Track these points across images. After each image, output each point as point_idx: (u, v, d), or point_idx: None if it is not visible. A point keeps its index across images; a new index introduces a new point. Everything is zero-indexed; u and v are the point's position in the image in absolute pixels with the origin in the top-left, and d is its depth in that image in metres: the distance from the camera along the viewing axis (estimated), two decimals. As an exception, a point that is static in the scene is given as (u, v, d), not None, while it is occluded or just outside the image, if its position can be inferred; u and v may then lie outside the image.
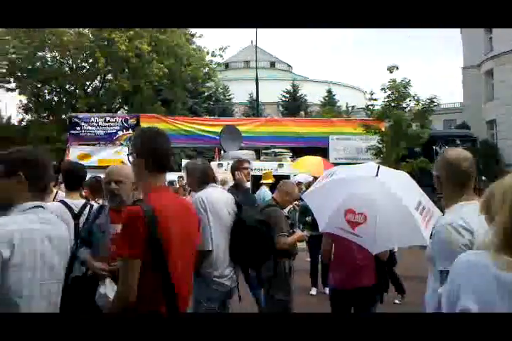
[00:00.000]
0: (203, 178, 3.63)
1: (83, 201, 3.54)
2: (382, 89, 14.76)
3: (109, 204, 2.97)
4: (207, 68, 23.78)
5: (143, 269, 1.82)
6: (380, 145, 15.06)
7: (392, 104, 14.82)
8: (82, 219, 3.34)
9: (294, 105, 31.83)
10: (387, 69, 14.61)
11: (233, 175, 5.02)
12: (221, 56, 24.26)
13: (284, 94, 33.39)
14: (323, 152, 15.14)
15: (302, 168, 11.60)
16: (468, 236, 1.94)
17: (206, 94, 27.26)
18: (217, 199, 3.54)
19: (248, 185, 5.76)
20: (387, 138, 14.73)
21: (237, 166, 5.04)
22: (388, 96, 14.83)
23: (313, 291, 6.86)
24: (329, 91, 34.32)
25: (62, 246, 1.86)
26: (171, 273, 1.85)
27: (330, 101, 32.99)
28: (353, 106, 32.12)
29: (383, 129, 15.08)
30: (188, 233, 2.01)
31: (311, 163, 12.09)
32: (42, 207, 1.83)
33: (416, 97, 14.81)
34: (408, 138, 14.42)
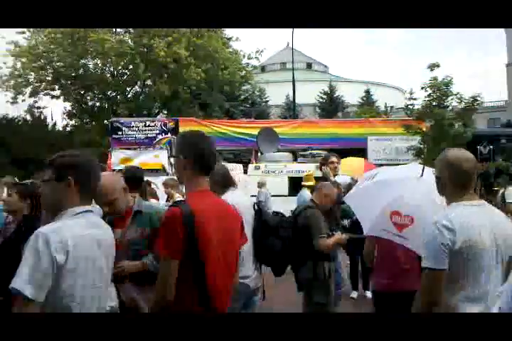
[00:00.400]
0: (223, 182, 3.67)
1: None
2: (422, 87, 14.38)
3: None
4: (243, 71, 23.95)
5: (180, 270, 1.83)
6: (421, 146, 14.67)
7: (434, 103, 14.41)
8: None
9: (331, 106, 31.56)
10: (428, 68, 14.23)
11: (320, 169, 5.52)
12: (257, 59, 24.39)
13: (321, 95, 33.17)
14: (361, 153, 14.91)
15: (344, 169, 11.46)
16: (450, 235, 1.98)
17: (243, 97, 27.44)
18: (238, 202, 3.54)
19: (333, 179, 5.87)
20: (428, 138, 14.33)
21: (325, 161, 5.38)
22: (429, 95, 14.43)
23: (354, 294, 6.76)
24: (367, 92, 33.84)
25: (109, 249, 1.89)
26: (208, 274, 1.85)
27: (368, 101, 32.51)
28: (392, 106, 31.51)
29: (424, 129, 14.69)
30: (229, 234, 2.02)
31: (353, 163, 11.93)
32: (91, 211, 1.86)
33: (458, 95, 14.34)
34: (450, 137, 13.97)
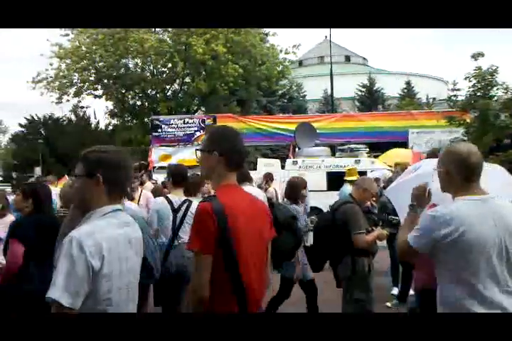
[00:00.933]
0: (240, 177, 3.73)
1: (184, 198, 4.12)
2: (466, 78, 13.86)
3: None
4: (280, 66, 23.87)
5: (213, 267, 1.83)
6: (465, 138, 14.18)
7: (478, 94, 13.87)
8: (180, 213, 4.03)
9: (370, 99, 30.97)
10: (472, 57, 13.70)
11: None
12: (294, 53, 24.26)
13: (360, 88, 32.58)
14: (402, 146, 14.58)
15: (390, 160, 11.27)
16: (445, 228, 1.99)
17: (280, 92, 27.35)
18: None
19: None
20: (472, 130, 13.83)
21: None
22: (473, 86, 13.90)
23: (395, 291, 6.62)
24: (408, 83, 32.96)
25: (139, 246, 1.86)
26: (241, 265, 1.85)
27: (409, 93, 31.68)
28: (434, 98, 30.58)
29: (468, 121, 14.19)
30: (259, 230, 2.01)
31: (399, 154, 11.71)
32: (120, 209, 1.81)
33: (504, 85, 13.74)
34: (496, 129, 13.42)
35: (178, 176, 4.23)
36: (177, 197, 4.14)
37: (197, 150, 2.14)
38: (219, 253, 1.83)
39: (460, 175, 2.08)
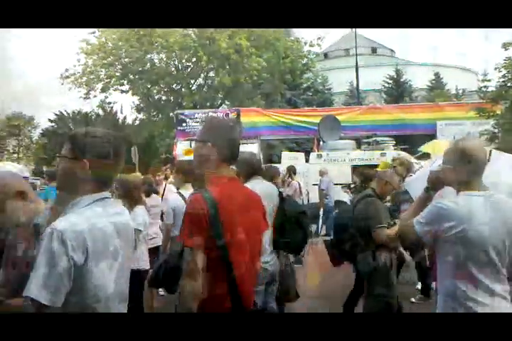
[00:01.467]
0: (249, 170, 3.71)
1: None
2: (496, 68, 13.46)
3: None
4: (305, 59, 23.65)
5: (206, 259, 1.80)
6: (495, 130, 13.78)
7: (509, 84, 13.45)
8: None
9: (397, 91, 30.37)
10: (502, 47, 13.27)
11: None
12: (319, 46, 23.99)
13: (387, 80, 31.98)
14: (430, 139, 14.26)
15: (434, 152, 11.04)
16: (446, 222, 2.04)
17: (305, 85, 27.10)
18: (260, 191, 3.59)
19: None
20: (503, 122, 13.43)
21: None
22: (504, 76, 13.48)
23: (419, 286, 6.51)
24: (436, 75, 32.18)
25: (129, 236, 1.73)
26: (233, 259, 1.82)
27: (438, 84, 30.93)
28: (463, 89, 29.79)
29: (499, 112, 13.76)
30: (251, 221, 1.98)
31: (440, 147, 11.42)
32: (108, 197, 1.68)
33: (537, 75, 13.27)
34: (529, 120, 13.01)
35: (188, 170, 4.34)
36: (188, 191, 4.21)
37: (191, 140, 2.12)
38: (211, 245, 1.81)
39: (466, 171, 2.13)
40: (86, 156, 1.60)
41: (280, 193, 3.95)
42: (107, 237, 1.58)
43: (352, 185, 10.16)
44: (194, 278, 1.79)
